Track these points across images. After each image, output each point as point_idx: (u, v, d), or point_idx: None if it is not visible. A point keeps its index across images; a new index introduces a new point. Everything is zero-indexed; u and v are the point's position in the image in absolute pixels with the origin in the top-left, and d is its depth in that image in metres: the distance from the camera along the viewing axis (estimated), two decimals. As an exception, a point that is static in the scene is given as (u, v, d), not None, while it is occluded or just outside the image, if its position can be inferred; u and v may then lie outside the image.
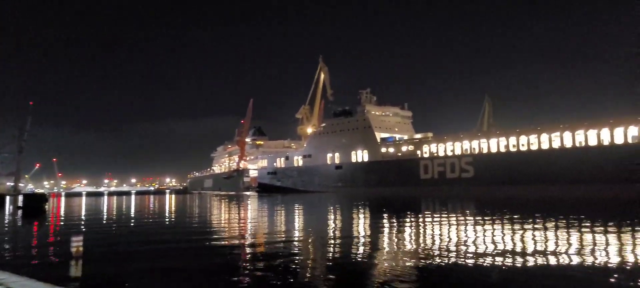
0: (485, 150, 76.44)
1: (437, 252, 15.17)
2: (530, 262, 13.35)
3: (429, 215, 30.97)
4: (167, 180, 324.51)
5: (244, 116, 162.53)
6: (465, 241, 17.81)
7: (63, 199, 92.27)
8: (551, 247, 15.92)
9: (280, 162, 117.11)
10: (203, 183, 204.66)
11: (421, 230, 22.24)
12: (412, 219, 28.18)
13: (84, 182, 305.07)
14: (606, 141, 63.20)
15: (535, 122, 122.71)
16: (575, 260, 13.52)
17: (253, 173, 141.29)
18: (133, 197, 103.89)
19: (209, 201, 66.98)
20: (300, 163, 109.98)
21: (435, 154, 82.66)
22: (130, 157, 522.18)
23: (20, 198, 49.66)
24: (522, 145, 72.25)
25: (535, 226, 22.08)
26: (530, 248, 15.60)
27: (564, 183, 61.98)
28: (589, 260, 13.53)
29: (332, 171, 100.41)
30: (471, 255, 14.52)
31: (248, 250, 17.01)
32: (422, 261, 13.74)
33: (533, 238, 17.98)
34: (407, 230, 22.58)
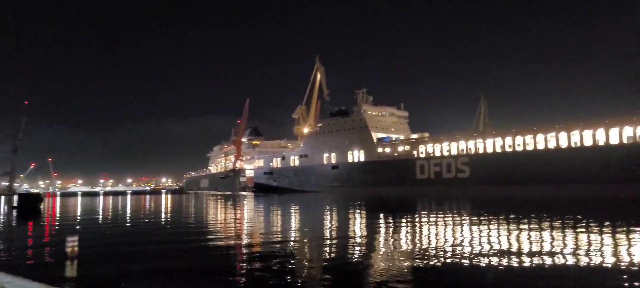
0: (481, 150, 76.66)
1: (433, 252, 15.19)
2: (526, 262, 13.40)
3: (425, 215, 31.03)
4: (163, 180, 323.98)
5: (240, 116, 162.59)
6: (461, 241, 17.86)
7: (58, 199, 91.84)
8: (546, 247, 15.97)
9: (276, 162, 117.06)
10: (199, 184, 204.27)
11: (417, 230, 22.28)
12: (408, 219, 28.23)
13: (80, 182, 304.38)
14: (601, 141, 63.52)
15: (531, 122, 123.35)
16: (571, 260, 13.58)
17: (249, 173, 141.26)
18: (129, 197, 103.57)
19: (205, 201, 66.86)
20: (297, 163, 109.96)
21: (432, 154, 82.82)
22: (126, 157, 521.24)
23: (15, 198, 49.42)
24: (518, 145, 72.51)
25: (531, 226, 22.16)
26: (525, 249, 15.66)
27: (560, 183, 62.26)
28: (584, 260, 13.59)
29: (328, 171, 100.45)
30: (467, 255, 14.56)
31: (244, 250, 16.99)
32: (419, 261, 13.75)
33: (528, 239, 18.05)
34: (403, 230, 22.62)
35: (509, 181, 68.29)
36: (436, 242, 17.91)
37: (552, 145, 68.33)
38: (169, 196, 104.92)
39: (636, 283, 10.58)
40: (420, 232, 21.75)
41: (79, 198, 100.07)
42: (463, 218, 28.30)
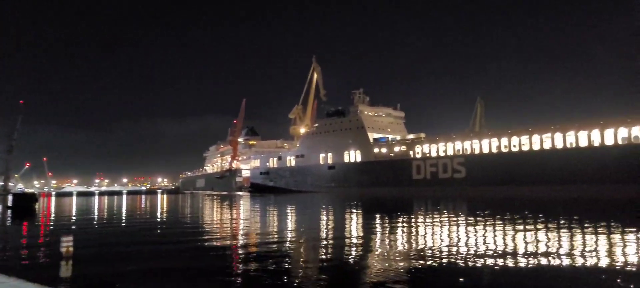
0: (477, 151, 76.89)
1: (429, 253, 15.21)
2: (522, 262, 13.43)
3: (421, 216, 31.07)
4: (159, 180, 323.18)
5: (236, 116, 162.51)
6: (457, 242, 17.90)
7: (53, 199, 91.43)
8: (542, 247, 16.02)
9: (272, 162, 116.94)
10: (195, 183, 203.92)
11: (413, 231, 22.31)
12: (405, 220, 28.25)
13: (75, 181, 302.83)
14: (597, 142, 63.83)
15: (530, 122, 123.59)
16: (566, 260, 13.63)
17: (245, 174, 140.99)
18: (124, 197, 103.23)
19: (201, 201, 66.71)
20: (293, 163, 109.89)
21: (428, 155, 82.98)
22: (121, 156, 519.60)
23: (10, 197, 49.16)
24: (514, 146, 72.80)
25: (527, 226, 22.22)
26: (521, 249, 15.70)
27: (555, 183, 62.54)
28: (580, 260, 13.64)
29: (324, 171, 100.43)
30: (463, 255, 14.58)
31: (240, 251, 16.95)
32: (415, 262, 13.77)
33: (524, 239, 18.10)
34: (399, 230, 22.63)
35: (504, 181, 68.52)
36: (432, 243, 17.93)
37: (547, 145, 68.64)
38: (165, 196, 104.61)
39: (632, 285, 10.64)
40: (417, 232, 21.77)
41: (74, 198, 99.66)
42: (459, 218, 28.35)
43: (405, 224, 25.42)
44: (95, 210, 46.00)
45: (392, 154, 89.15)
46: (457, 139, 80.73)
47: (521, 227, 22.14)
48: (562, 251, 15.07)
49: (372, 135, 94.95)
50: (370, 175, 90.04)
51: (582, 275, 11.87)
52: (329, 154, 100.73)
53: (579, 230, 20.64)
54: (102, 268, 13.16)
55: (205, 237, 21.50)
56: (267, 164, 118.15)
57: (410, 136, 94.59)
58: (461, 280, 11.41)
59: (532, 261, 13.50)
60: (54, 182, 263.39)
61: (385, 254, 15.53)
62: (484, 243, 17.36)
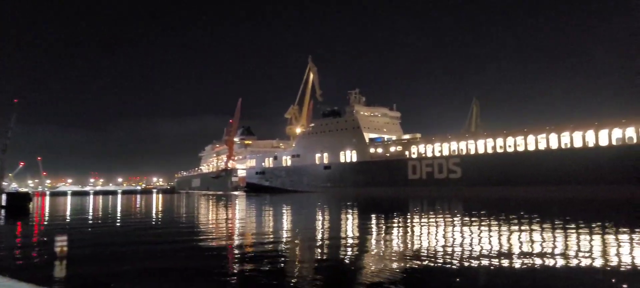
0: (472, 151, 77.10)
1: (425, 253, 15.23)
2: (517, 262, 13.47)
3: (417, 216, 31.12)
4: (154, 179, 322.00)
5: (232, 116, 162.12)
6: (453, 242, 17.93)
7: (48, 198, 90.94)
8: (537, 248, 16.08)
9: (268, 162, 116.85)
10: (191, 183, 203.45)
11: (409, 231, 22.34)
12: (400, 220, 28.29)
13: (69, 181, 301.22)
14: (591, 143, 64.18)
15: (529, 122, 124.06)
16: (561, 261, 13.68)
17: (241, 173, 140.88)
18: (119, 196, 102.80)
19: (197, 201, 66.54)
20: (289, 163, 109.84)
21: (423, 155, 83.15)
22: (116, 156, 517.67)
23: (4, 197, 48.86)
24: (509, 146, 73.07)
25: (522, 227, 22.30)
26: (516, 249, 15.75)
27: (550, 184, 62.83)
28: (575, 261, 13.70)
29: (320, 171, 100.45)
30: (458, 255, 14.61)
31: (236, 250, 16.92)
32: (410, 262, 13.78)
33: (519, 239, 18.16)
34: (395, 230, 22.66)
35: (500, 182, 68.78)
36: (428, 243, 17.96)
37: (542, 146, 68.95)
38: (160, 196, 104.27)
39: (625, 285, 10.69)
40: (412, 232, 21.81)
41: (69, 197, 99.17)
42: (454, 218, 28.41)
43: (400, 224, 25.45)
44: (90, 210, 45.81)
45: (388, 154, 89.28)
46: (452, 140, 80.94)
47: (516, 227, 22.21)
48: (557, 251, 15.14)
49: (368, 135, 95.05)
50: (366, 175, 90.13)
51: (577, 275, 11.92)
52: (325, 154, 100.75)
53: (573, 231, 20.72)
54: (97, 268, 13.10)
55: (201, 237, 21.44)
56: (263, 164, 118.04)
57: (406, 136, 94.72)
58: (457, 280, 11.43)
59: (527, 261, 13.54)
60: (48, 181, 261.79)
61: (381, 254, 15.54)
62: (479, 243, 17.40)
